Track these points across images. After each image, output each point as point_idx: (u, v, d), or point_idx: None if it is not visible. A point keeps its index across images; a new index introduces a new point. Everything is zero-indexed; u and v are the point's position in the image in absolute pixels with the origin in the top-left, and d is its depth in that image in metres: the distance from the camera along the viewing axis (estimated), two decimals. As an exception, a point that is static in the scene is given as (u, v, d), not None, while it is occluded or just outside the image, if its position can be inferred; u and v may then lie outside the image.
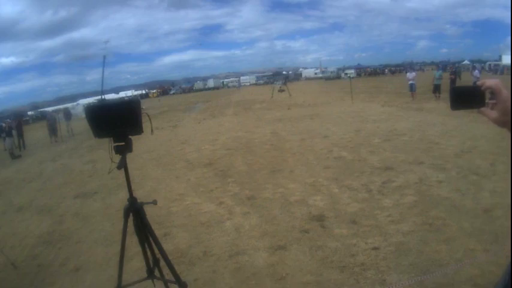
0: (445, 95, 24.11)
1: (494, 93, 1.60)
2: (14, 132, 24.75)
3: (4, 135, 23.57)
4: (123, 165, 3.51)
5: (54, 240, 7.65)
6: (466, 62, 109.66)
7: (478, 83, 1.66)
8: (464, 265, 4.82)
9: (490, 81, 1.61)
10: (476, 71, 30.55)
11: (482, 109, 1.66)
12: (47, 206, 10.31)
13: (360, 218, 6.75)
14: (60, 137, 28.79)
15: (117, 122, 3.40)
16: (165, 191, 9.95)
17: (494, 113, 1.61)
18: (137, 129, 3.44)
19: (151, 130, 3.97)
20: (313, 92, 47.68)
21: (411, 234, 5.89)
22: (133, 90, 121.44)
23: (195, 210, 8.22)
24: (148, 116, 3.74)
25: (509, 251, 4.62)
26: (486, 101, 1.66)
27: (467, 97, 1.70)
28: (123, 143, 3.49)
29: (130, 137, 3.51)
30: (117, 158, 3.50)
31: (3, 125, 27.93)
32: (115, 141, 3.50)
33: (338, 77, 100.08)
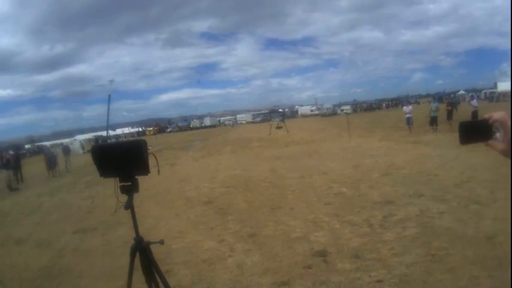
0: (442, 126, 24.35)
1: (501, 125, 1.64)
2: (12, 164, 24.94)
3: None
4: (130, 205, 3.51)
5: (54, 274, 7.62)
6: (461, 92, 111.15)
7: (485, 116, 1.69)
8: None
9: (497, 114, 1.65)
10: (475, 100, 30.74)
11: (490, 141, 1.69)
12: (46, 240, 10.27)
13: (363, 252, 6.71)
14: (58, 172, 29.13)
15: (123, 162, 3.41)
16: (165, 228, 9.90)
17: (501, 145, 1.65)
18: (144, 169, 3.42)
19: (158, 171, 3.97)
20: (310, 129, 47.86)
21: (415, 266, 5.86)
22: (130, 128, 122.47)
23: (196, 247, 8.15)
24: (155, 156, 3.74)
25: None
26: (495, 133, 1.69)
27: (475, 131, 1.73)
28: (129, 183, 3.48)
29: (136, 177, 3.50)
30: (122, 197, 3.48)
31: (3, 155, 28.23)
32: (121, 181, 3.49)
33: (334, 114, 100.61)
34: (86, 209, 13.89)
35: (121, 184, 3.49)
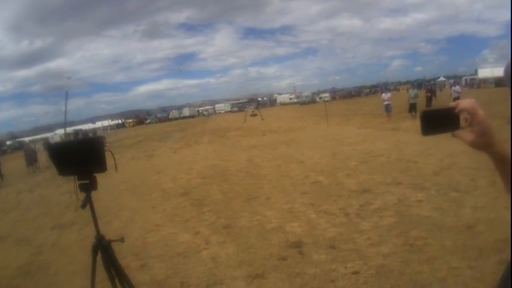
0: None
1: (469, 114, 1.47)
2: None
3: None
4: (86, 204, 3.48)
5: (33, 271, 7.48)
6: (441, 78, 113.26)
7: (452, 104, 1.52)
8: (449, 285, 4.67)
9: (464, 102, 1.48)
10: (457, 86, 30.76)
11: (457, 132, 1.53)
12: (25, 236, 10.10)
13: (339, 242, 6.58)
14: (38, 167, 28.71)
15: (80, 160, 3.37)
16: (141, 221, 9.72)
17: (470, 136, 1.48)
18: (101, 166, 3.38)
19: (115, 168, 3.79)
20: (288, 117, 48.00)
21: (392, 256, 5.72)
22: (109, 120, 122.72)
23: (172, 240, 8.01)
24: (112, 153, 3.68)
25: (494, 266, 4.56)
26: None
27: (439, 121, 1.55)
28: (87, 181, 3.43)
29: (95, 174, 3.45)
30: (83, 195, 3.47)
31: None
32: (79, 179, 3.45)
33: (313, 101, 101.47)
34: (64, 204, 13.56)
35: (79, 182, 3.46)
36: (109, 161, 3.49)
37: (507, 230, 5.66)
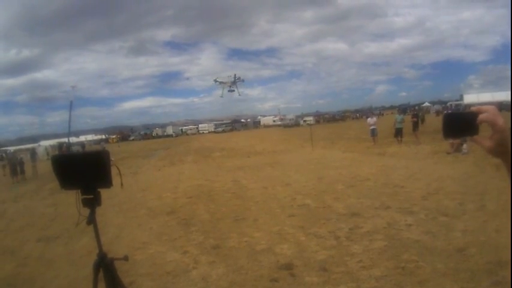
0: (407, 138, 24.67)
1: (490, 122, 1.46)
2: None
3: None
4: (92, 220, 3.35)
5: (19, 284, 7.41)
6: (426, 103, 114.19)
7: (473, 108, 1.52)
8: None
9: (486, 113, 1.48)
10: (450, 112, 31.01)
11: (476, 137, 1.53)
12: (9, 248, 9.96)
13: (330, 265, 6.54)
14: (22, 178, 28.44)
15: (85, 173, 3.22)
16: (127, 238, 9.63)
17: (488, 142, 1.48)
18: (106, 181, 3.24)
19: (121, 183, 3.72)
20: (272, 140, 48.11)
21: (384, 279, 5.72)
22: (93, 135, 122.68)
23: (160, 259, 7.91)
24: (118, 168, 3.58)
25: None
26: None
27: (460, 124, 1.55)
28: (91, 196, 3.29)
29: (99, 190, 3.31)
30: (85, 210, 3.33)
31: None
32: (83, 194, 3.30)
33: (297, 124, 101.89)
34: (49, 216, 13.47)
35: (83, 197, 3.31)
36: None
37: (498, 252, 5.71)
